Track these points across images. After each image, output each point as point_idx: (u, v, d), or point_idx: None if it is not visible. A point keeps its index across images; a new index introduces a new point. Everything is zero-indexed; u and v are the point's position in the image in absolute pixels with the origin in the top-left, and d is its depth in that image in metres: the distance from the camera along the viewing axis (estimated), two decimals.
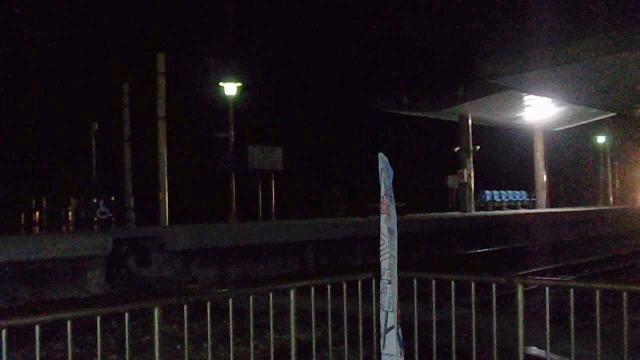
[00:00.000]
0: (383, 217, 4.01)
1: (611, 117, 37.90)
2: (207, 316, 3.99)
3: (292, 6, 44.89)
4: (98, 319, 3.50)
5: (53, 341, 8.28)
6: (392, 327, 3.97)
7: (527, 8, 22.20)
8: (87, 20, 39.07)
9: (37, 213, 25.00)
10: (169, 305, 4.09)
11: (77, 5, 38.03)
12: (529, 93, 29.73)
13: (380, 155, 4.10)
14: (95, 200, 22.08)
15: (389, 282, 3.98)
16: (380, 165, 4.06)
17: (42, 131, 35.00)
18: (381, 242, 4.00)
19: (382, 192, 4.03)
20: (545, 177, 39.90)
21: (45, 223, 23.99)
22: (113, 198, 22.27)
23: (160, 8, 41.33)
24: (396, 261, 4.06)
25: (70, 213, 23.50)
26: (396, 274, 4.06)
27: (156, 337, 3.71)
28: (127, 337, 3.68)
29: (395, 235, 4.06)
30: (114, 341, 8.21)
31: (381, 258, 4.01)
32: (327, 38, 45.06)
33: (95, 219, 21.68)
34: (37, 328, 3.25)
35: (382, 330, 3.99)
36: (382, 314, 4.00)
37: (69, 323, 3.37)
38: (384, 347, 4.00)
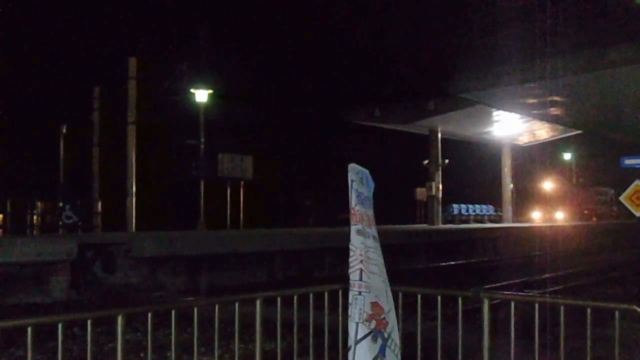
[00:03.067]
0: (354, 228, 3.99)
1: (577, 134, 38.50)
2: (171, 324, 3.94)
3: (266, 16, 44.93)
4: (60, 325, 3.44)
5: (14, 347, 8.13)
6: (363, 338, 3.95)
7: (497, 26, 22.48)
8: (58, 22, 38.64)
9: (2, 216, 24.58)
10: (134, 313, 4.04)
11: (49, 7, 37.62)
12: (498, 108, 30.09)
13: (351, 166, 4.09)
14: (61, 205, 21.78)
15: (359, 294, 3.96)
16: (351, 176, 4.05)
17: (9, 133, 34.45)
18: (351, 253, 3.98)
19: (353, 204, 4.01)
20: (512, 192, 40.31)
21: (9, 226, 23.58)
22: (79, 202, 21.98)
23: (132, 12, 41.04)
24: (384, 269, 4.07)
25: (35, 217, 23.15)
26: (387, 281, 4.07)
27: (119, 345, 3.66)
28: (89, 344, 3.62)
29: (379, 243, 4.07)
30: (76, 348, 8.09)
31: (350, 270, 3.98)
32: (300, 49, 45.14)
33: (61, 223, 21.39)
34: None
35: (352, 341, 3.95)
36: (352, 325, 3.96)
37: (29, 330, 3.30)
38: (354, 358, 3.96)
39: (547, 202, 48.17)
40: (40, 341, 7.39)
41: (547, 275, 18.66)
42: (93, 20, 39.73)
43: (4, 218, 24.56)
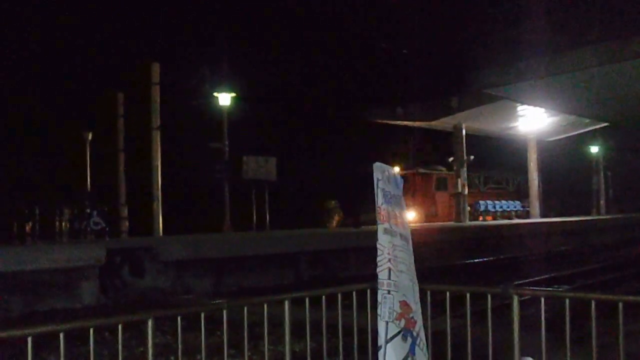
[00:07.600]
0: (381, 227, 3.97)
1: (604, 127, 38.00)
2: (201, 327, 3.96)
3: (287, 17, 45.03)
4: (91, 330, 3.47)
5: (46, 353, 8.22)
6: (393, 337, 3.92)
7: (520, 19, 22.28)
8: (82, 29, 39.07)
9: (30, 223, 24.84)
10: (163, 316, 4.06)
11: (73, 15, 38.05)
12: (523, 103, 29.80)
13: (376, 165, 4.07)
14: (88, 211, 22.00)
15: (389, 292, 3.94)
16: (376, 175, 4.03)
17: (36, 141, 34.91)
18: (379, 252, 3.96)
19: (379, 202, 3.99)
20: (538, 187, 39.89)
21: (38, 233, 23.83)
22: (106, 208, 22.20)
23: (155, 18, 41.38)
24: (413, 267, 4.06)
25: (63, 223, 23.36)
26: (415, 279, 4.06)
27: (150, 349, 3.69)
28: (120, 348, 3.65)
29: (408, 242, 4.05)
30: (107, 352, 8.15)
31: (379, 269, 3.97)
32: (322, 49, 45.15)
33: (89, 229, 21.60)
34: (29, 340, 3.22)
35: (382, 340, 3.93)
36: (382, 324, 3.93)
37: (62, 335, 3.33)
38: (385, 357, 3.93)
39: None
40: (72, 346, 7.46)
41: (577, 270, 18.47)
42: (116, 27, 40.10)
43: (32, 225, 24.82)
